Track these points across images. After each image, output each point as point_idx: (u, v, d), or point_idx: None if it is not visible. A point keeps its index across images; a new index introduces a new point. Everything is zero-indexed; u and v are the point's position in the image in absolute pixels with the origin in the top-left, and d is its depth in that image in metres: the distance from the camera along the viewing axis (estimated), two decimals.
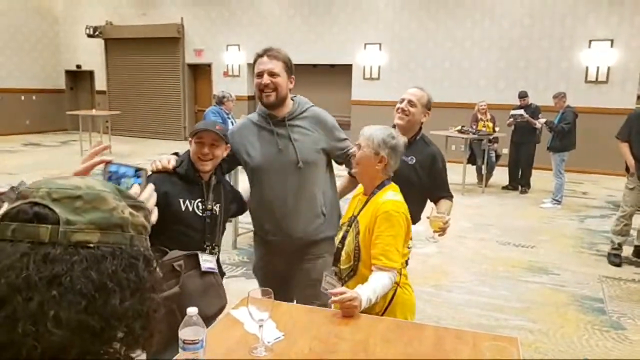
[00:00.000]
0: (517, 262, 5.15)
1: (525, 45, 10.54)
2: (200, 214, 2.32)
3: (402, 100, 2.70)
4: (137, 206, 0.78)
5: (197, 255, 2.23)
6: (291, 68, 2.44)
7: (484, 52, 10.90)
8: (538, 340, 3.58)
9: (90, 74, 15.86)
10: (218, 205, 2.38)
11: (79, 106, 15.64)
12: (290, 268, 2.55)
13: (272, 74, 2.35)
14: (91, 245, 0.69)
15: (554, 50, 10.35)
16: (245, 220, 6.39)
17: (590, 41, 10.00)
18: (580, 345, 3.54)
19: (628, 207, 5.16)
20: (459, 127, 8.47)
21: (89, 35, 14.72)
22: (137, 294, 0.71)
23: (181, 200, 2.29)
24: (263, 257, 2.64)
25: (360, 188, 2.38)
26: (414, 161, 2.66)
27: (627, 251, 5.33)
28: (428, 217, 2.58)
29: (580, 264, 5.19)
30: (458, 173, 8.35)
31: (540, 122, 7.94)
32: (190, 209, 2.30)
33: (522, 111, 8.03)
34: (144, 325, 0.72)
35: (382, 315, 2.14)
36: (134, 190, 0.97)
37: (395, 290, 2.15)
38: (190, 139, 2.34)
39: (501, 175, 8.76)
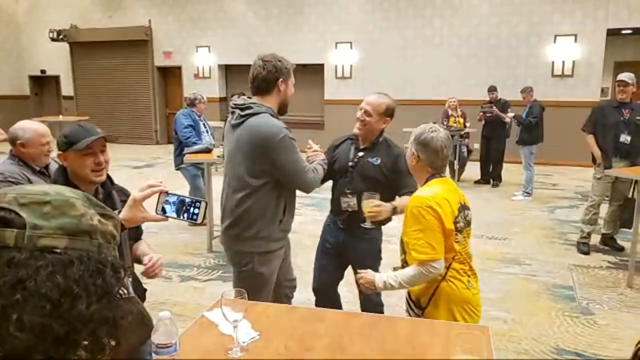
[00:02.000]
0: (491, 254, 5.25)
1: (494, 43, 10.74)
2: None
3: (361, 109, 2.79)
4: (107, 215, 0.77)
5: None
6: None
7: (454, 49, 11.06)
8: (512, 329, 3.65)
9: (56, 78, 15.52)
10: None
11: (45, 112, 15.27)
12: None
13: None
14: (58, 250, 0.68)
15: (521, 46, 10.57)
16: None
17: (555, 36, 10.24)
18: (552, 332, 3.63)
19: (596, 197, 5.31)
20: (431, 124, 8.56)
21: (53, 39, 14.37)
22: (104, 299, 0.70)
23: None
24: None
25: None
26: (379, 162, 2.81)
27: (595, 239, 5.49)
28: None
29: (551, 253, 5.31)
30: None
31: (509, 117, 8.11)
32: None
33: (494, 108, 8.21)
34: (111, 332, 0.71)
35: (426, 306, 2.18)
36: None
37: (439, 284, 2.16)
38: (61, 152, 2.01)
39: (473, 169, 8.90)
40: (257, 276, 2.55)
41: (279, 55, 2.55)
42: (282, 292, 2.81)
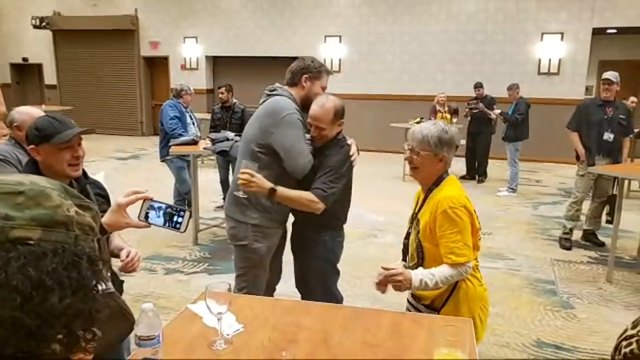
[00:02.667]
0: None
1: (481, 39, 10.79)
2: None
3: (311, 126, 2.60)
4: (85, 206, 0.76)
5: None
6: None
7: (442, 45, 11.10)
8: (494, 323, 3.69)
9: (39, 67, 15.23)
10: None
11: (27, 101, 14.96)
12: None
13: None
14: (31, 242, 0.67)
15: (508, 43, 10.64)
16: (206, 215, 6.35)
17: (542, 34, 10.33)
18: (534, 326, 3.69)
19: (579, 193, 5.38)
20: (418, 120, 8.61)
21: (36, 27, 14.08)
22: (79, 292, 0.68)
23: None
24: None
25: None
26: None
27: (577, 235, 5.57)
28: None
29: (534, 248, 5.38)
30: None
31: (495, 113, 8.18)
32: None
33: (480, 105, 8.30)
34: (86, 326, 0.69)
35: (442, 306, 2.12)
36: None
37: (458, 283, 2.11)
38: (34, 146, 1.89)
39: (459, 165, 8.95)
40: (251, 252, 2.67)
41: (318, 60, 2.74)
42: (270, 282, 2.88)
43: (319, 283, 2.75)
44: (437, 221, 2.06)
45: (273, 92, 2.68)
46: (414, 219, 2.23)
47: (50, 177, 1.87)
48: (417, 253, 2.18)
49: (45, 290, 0.65)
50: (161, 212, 1.63)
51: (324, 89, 2.69)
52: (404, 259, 2.32)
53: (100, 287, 0.72)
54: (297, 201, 2.54)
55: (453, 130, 2.14)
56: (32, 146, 1.90)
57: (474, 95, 8.58)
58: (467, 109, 8.49)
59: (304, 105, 2.64)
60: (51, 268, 0.66)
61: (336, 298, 2.79)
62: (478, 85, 8.56)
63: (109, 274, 1.99)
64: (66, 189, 0.74)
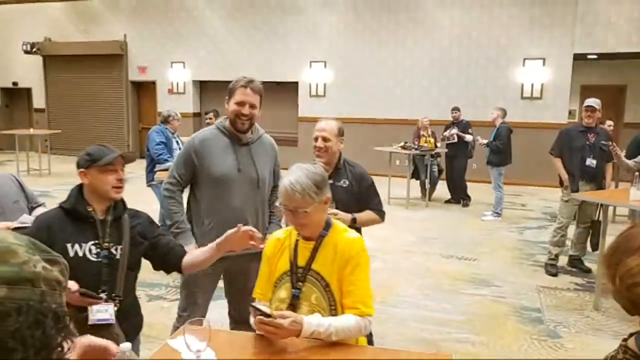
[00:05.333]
0: (460, 275, 5.30)
1: (465, 64, 10.98)
2: (94, 259, 2.02)
3: (317, 139, 2.89)
4: (52, 260, 0.74)
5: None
6: (262, 100, 2.77)
7: (425, 70, 11.26)
8: (479, 353, 3.68)
9: (28, 91, 15.22)
10: (119, 247, 2.07)
11: (15, 125, 14.92)
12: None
13: (252, 106, 2.68)
14: None
15: (491, 68, 10.82)
16: None
17: (524, 59, 10.53)
18: (520, 355, 3.66)
19: (564, 219, 5.42)
20: (402, 144, 8.69)
21: (26, 52, 14.14)
22: (43, 352, 0.67)
23: (69, 245, 2.00)
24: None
25: (288, 231, 2.10)
26: (347, 183, 2.95)
27: (563, 261, 5.59)
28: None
29: (519, 274, 5.39)
30: (402, 187, 8.54)
31: (468, 139, 8.39)
32: (81, 254, 2.01)
33: (454, 130, 8.52)
34: None
35: None
36: None
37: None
38: (83, 170, 2.07)
39: (445, 189, 9.01)
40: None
41: (243, 77, 2.74)
42: None
43: None
44: (348, 266, 1.89)
45: (263, 132, 2.93)
46: (306, 273, 1.96)
47: (92, 201, 2.03)
48: (329, 310, 1.92)
49: (8, 352, 0.64)
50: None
51: (239, 103, 2.66)
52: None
53: (65, 345, 0.71)
54: (373, 221, 2.98)
55: (318, 166, 2.00)
56: (81, 170, 2.07)
57: (451, 119, 8.79)
58: (443, 135, 8.67)
59: (233, 124, 2.72)
60: (14, 328, 0.65)
61: None
62: (455, 109, 8.77)
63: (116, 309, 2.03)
64: (34, 243, 0.73)
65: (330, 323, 1.82)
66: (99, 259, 2.03)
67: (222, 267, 2.75)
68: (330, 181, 2.83)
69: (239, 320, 2.88)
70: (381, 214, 3.03)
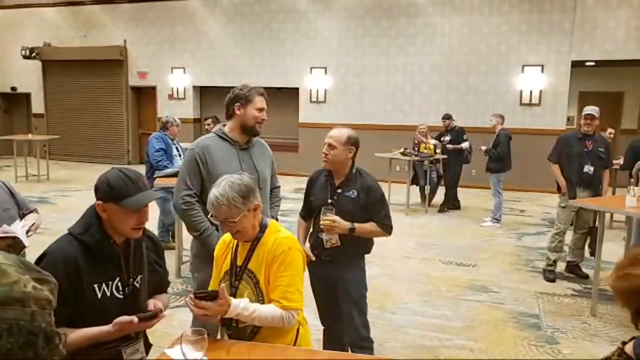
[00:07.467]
0: (459, 281, 5.30)
1: (465, 71, 11.01)
2: (120, 296, 1.88)
3: (325, 145, 2.95)
4: (43, 279, 0.74)
5: (120, 352, 1.88)
6: None
7: (426, 76, 11.30)
8: (478, 359, 3.68)
9: (27, 96, 15.23)
10: (139, 276, 1.95)
11: (14, 130, 14.95)
12: None
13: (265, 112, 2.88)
14: None
15: (490, 75, 10.86)
16: (189, 247, 6.24)
17: (523, 66, 10.57)
18: None
19: (562, 225, 5.44)
20: (402, 150, 8.71)
21: (25, 57, 14.16)
22: None
23: (96, 286, 1.82)
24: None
25: (226, 237, 2.20)
26: (355, 194, 2.92)
27: (560, 267, 5.60)
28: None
29: (517, 280, 5.39)
30: (402, 194, 8.56)
31: (466, 145, 8.46)
32: (109, 293, 1.85)
33: (447, 138, 8.63)
34: None
35: None
36: None
37: (298, 330, 2.10)
38: (101, 203, 1.82)
39: (443, 195, 9.01)
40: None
41: (248, 85, 2.89)
42: None
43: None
44: (275, 263, 1.98)
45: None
46: (241, 272, 2.07)
47: (110, 232, 1.85)
48: (257, 302, 2.03)
49: None
50: None
51: (259, 110, 2.84)
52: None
53: None
54: (375, 233, 2.94)
55: (244, 176, 2.05)
56: (99, 202, 1.82)
57: (460, 126, 8.79)
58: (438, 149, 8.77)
59: (245, 131, 2.86)
60: (6, 349, 0.64)
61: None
62: (446, 117, 8.80)
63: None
64: (24, 262, 0.72)
65: (255, 309, 1.95)
66: (124, 295, 1.89)
67: None
68: (339, 191, 2.92)
69: None
70: (386, 228, 2.93)
